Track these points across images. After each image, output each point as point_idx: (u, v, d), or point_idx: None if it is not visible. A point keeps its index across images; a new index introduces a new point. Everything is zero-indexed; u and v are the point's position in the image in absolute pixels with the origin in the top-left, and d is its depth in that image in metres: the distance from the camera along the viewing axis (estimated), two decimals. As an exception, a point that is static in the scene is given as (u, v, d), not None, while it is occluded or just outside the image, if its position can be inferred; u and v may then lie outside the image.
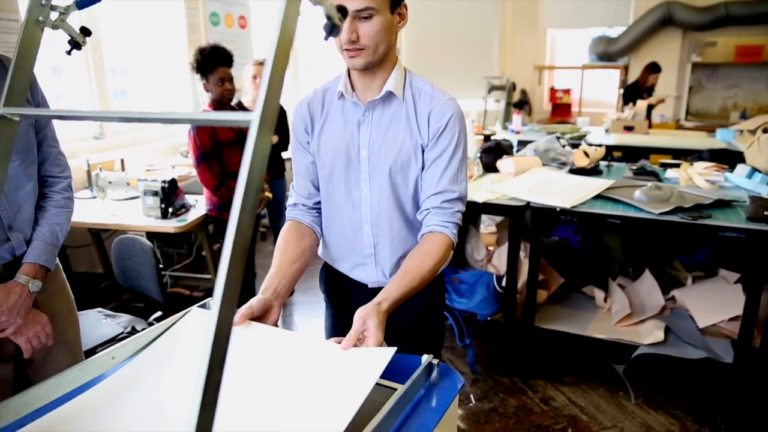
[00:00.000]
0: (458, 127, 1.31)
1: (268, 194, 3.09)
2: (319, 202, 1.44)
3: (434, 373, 1.00)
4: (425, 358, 1.00)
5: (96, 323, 2.09)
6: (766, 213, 2.25)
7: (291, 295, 3.74)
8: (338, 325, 1.59)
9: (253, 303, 1.18)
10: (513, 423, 2.37)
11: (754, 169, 2.86)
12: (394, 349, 0.97)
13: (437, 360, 1.00)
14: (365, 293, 1.45)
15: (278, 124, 3.49)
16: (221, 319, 0.50)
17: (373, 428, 0.81)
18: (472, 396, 2.55)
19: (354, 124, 1.33)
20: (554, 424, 2.36)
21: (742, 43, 6.29)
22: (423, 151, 1.32)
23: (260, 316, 1.20)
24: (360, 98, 1.32)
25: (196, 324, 1.17)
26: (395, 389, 0.93)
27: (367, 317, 1.08)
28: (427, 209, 1.32)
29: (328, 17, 0.66)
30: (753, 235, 2.18)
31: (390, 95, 1.30)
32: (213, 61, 2.76)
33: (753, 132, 3.93)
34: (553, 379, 2.67)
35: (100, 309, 2.24)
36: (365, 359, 0.98)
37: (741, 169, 2.93)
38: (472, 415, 2.42)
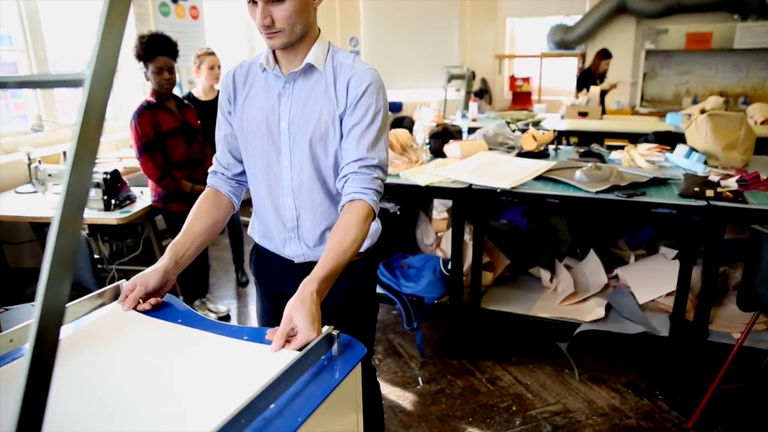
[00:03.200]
0: (377, 95, 1.31)
1: None
2: (238, 174, 1.46)
3: (335, 345, 1.01)
4: (325, 329, 1.00)
5: (27, 316, 2.03)
6: (696, 189, 2.32)
7: (245, 285, 3.71)
8: (267, 308, 1.60)
9: (150, 279, 1.20)
10: (459, 403, 2.40)
11: (692, 149, 2.94)
12: (295, 354, 0.95)
13: (337, 331, 1.00)
14: (292, 271, 1.46)
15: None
16: (47, 300, 0.47)
17: (259, 393, 0.81)
18: (420, 379, 2.58)
19: (275, 96, 1.34)
20: (499, 403, 2.40)
21: (692, 30, 6.44)
22: (341, 121, 1.32)
23: (155, 290, 1.21)
24: (282, 71, 1.33)
25: (116, 318, 1.16)
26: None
27: (292, 313, 1.05)
28: (346, 176, 1.31)
29: None
30: (683, 210, 2.24)
31: (311, 67, 1.31)
32: (153, 50, 2.71)
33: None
34: (500, 360, 2.71)
35: (34, 303, 2.19)
36: (264, 359, 0.99)
37: (680, 150, 3.00)
38: (419, 397, 2.45)
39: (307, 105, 1.32)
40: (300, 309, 1.05)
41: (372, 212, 1.30)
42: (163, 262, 1.26)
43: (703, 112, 3.18)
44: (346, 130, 1.32)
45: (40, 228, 3.20)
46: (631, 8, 6.74)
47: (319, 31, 1.34)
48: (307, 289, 1.11)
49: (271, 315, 1.57)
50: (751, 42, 6.24)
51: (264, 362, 0.98)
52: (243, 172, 1.46)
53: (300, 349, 0.99)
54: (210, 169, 1.48)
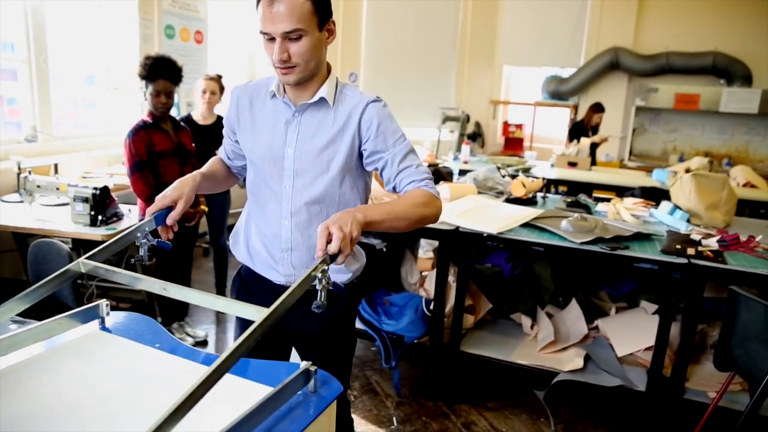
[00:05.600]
0: (390, 120, 1.38)
1: (204, 207, 3.04)
2: (238, 167, 1.58)
3: (312, 381, 1.00)
4: (303, 365, 1.00)
5: (0, 329, 1.99)
6: (678, 247, 2.36)
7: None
8: None
9: (185, 188, 1.32)
10: (432, 446, 2.37)
11: (676, 207, 3.01)
12: (269, 389, 0.93)
13: (315, 367, 1.00)
14: (275, 299, 1.45)
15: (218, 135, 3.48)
16: None
17: (231, 427, 0.80)
18: (395, 418, 2.54)
19: (282, 123, 1.39)
20: (473, 449, 2.37)
21: (681, 91, 6.66)
22: (359, 153, 1.38)
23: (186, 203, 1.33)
24: (291, 100, 1.38)
25: (93, 340, 1.16)
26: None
27: (329, 224, 1.11)
28: (402, 183, 1.38)
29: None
30: (664, 266, 2.28)
31: (322, 101, 1.36)
32: (155, 72, 2.75)
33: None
34: (477, 404, 2.69)
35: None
36: (239, 393, 0.99)
37: (664, 206, 3.07)
38: (392, 438, 2.41)
39: (317, 135, 1.37)
40: (338, 217, 1.14)
41: (431, 194, 1.34)
42: (197, 178, 1.38)
43: (688, 171, 3.26)
44: (380, 160, 1.37)
45: (22, 238, 3.16)
46: (624, 66, 6.97)
47: (329, 68, 1.40)
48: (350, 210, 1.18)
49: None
50: (736, 107, 6.46)
51: (239, 396, 0.98)
52: (245, 166, 1.55)
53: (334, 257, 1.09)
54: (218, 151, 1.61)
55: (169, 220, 1.28)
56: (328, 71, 1.39)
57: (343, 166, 1.37)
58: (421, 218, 1.32)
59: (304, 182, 1.38)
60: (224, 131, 1.55)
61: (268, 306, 1.44)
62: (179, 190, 1.31)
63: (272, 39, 1.25)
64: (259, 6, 1.24)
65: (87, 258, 1.18)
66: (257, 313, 1.00)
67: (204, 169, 1.50)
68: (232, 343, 0.87)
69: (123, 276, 1.18)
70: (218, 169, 1.55)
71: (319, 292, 1.06)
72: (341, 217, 1.14)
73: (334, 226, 1.10)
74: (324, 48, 1.34)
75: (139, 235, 1.26)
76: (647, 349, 2.56)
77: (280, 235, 1.43)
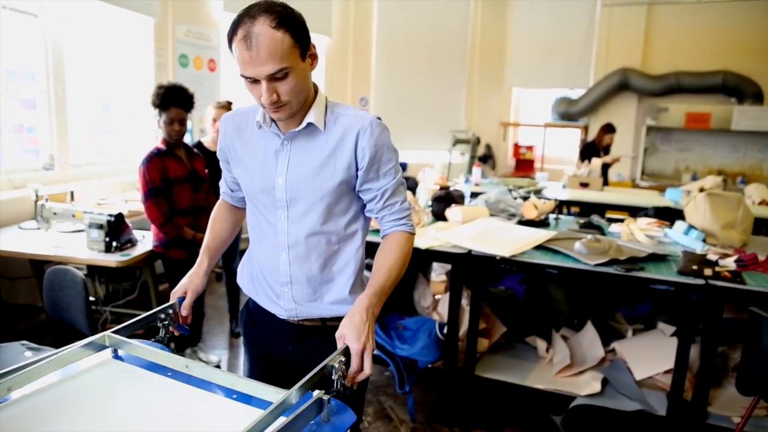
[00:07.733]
0: (387, 149, 1.33)
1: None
2: (242, 199, 1.54)
3: (325, 410, 0.99)
4: (316, 394, 0.99)
5: (16, 356, 2.00)
6: (694, 267, 2.33)
7: (239, 336, 3.66)
8: (254, 370, 1.57)
9: (198, 283, 1.40)
10: (448, 474, 2.32)
11: (691, 226, 2.98)
12: (282, 419, 0.92)
13: (328, 396, 0.99)
14: (282, 332, 1.45)
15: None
16: None
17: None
18: (409, 445, 2.51)
19: (272, 153, 1.33)
20: (490, 476, 2.32)
21: (691, 110, 6.65)
22: (356, 176, 1.33)
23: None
24: (280, 129, 1.33)
25: (105, 370, 1.16)
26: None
27: (343, 331, 1.17)
28: (377, 217, 1.39)
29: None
30: (681, 288, 2.24)
31: (311, 126, 1.30)
32: (168, 101, 2.79)
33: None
34: (492, 430, 2.64)
35: (24, 342, 2.16)
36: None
37: (679, 226, 3.03)
38: (407, 465, 2.37)
39: (308, 161, 1.31)
40: (347, 325, 1.17)
41: (410, 235, 1.40)
42: (203, 265, 1.44)
43: (702, 190, 3.23)
44: (369, 192, 1.34)
45: (38, 265, 3.19)
46: (633, 86, 6.99)
47: (316, 89, 1.33)
48: (357, 306, 1.22)
49: (258, 377, 1.54)
50: (748, 125, 6.43)
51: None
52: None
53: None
54: (220, 191, 1.60)
55: (183, 311, 1.36)
56: (315, 92, 1.32)
57: (340, 191, 1.32)
58: (406, 263, 1.37)
59: (299, 212, 1.33)
60: (221, 164, 1.50)
61: (275, 341, 1.47)
62: (189, 282, 1.40)
63: (256, 81, 1.18)
64: (233, 47, 1.17)
65: (113, 332, 1.23)
66: (276, 395, 1.02)
67: (207, 242, 1.51)
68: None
69: (145, 351, 1.21)
70: (221, 228, 1.55)
71: (335, 382, 1.08)
72: (358, 328, 1.17)
73: (366, 347, 1.15)
74: (310, 76, 1.26)
75: (162, 316, 1.34)
76: (666, 372, 2.51)
77: (279, 268, 1.38)
